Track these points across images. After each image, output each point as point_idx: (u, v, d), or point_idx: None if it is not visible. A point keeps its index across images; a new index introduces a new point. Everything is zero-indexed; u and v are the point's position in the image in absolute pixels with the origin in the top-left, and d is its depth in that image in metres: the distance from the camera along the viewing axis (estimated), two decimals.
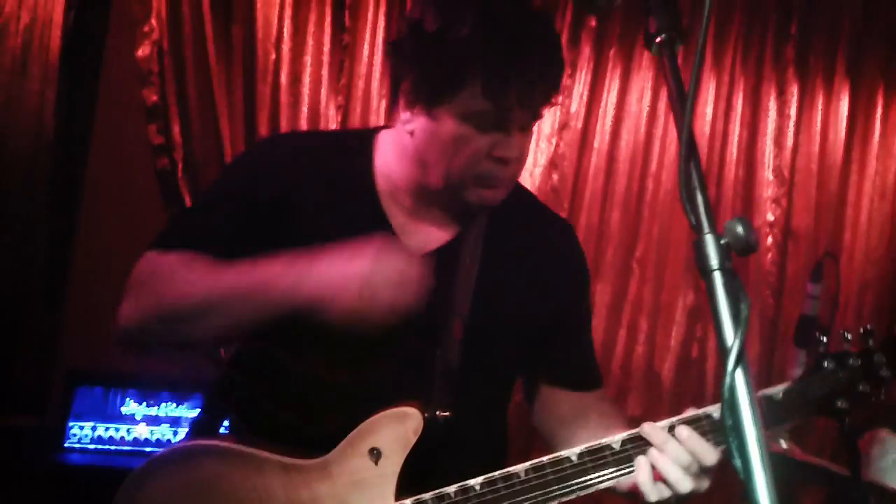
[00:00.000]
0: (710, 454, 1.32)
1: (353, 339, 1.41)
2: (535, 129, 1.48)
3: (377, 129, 1.59)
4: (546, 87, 1.40)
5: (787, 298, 3.89)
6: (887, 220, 4.03)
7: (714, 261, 0.79)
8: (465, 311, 1.49)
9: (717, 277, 0.79)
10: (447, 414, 1.43)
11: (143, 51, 3.30)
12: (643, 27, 0.93)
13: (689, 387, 3.81)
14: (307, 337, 1.44)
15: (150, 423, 3.11)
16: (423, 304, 1.42)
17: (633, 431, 1.36)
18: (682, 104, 0.86)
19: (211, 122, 3.35)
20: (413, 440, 1.39)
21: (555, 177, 3.76)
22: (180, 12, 3.31)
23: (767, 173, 3.93)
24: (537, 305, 1.57)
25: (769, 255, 3.92)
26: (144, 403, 3.10)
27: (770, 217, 3.93)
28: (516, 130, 1.40)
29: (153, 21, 3.29)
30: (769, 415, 1.39)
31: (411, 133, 1.44)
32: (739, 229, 0.80)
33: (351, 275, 1.27)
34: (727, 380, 0.75)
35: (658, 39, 0.93)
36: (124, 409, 3.10)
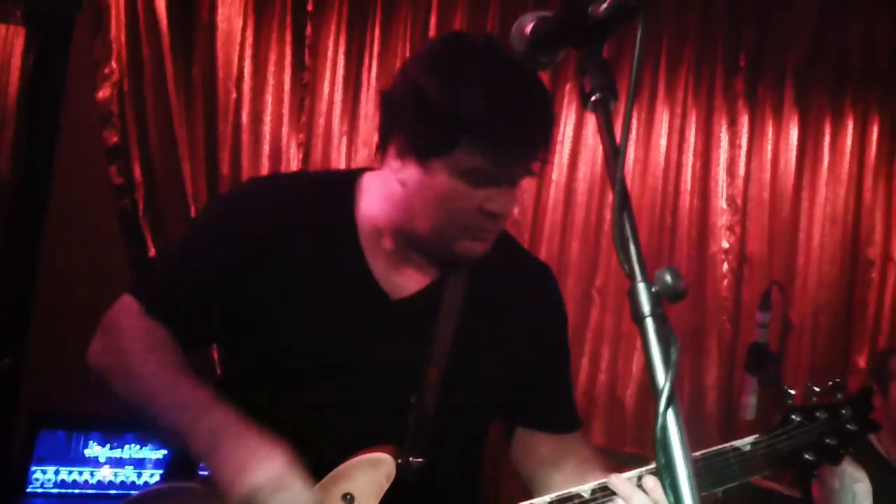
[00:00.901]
0: None
1: (330, 384, 1.45)
2: None
3: (362, 171, 1.59)
4: (538, 145, 1.42)
5: (744, 324, 3.97)
6: (838, 245, 4.15)
7: (646, 308, 0.84)
8: (443, 359, 1.50)
9: (649, 323, 0.84)
10: (420, 460, 1.44)
11: (103, 92, 3.32)
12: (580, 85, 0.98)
13: (652, 413, 3.84)
14: (282, 382, 1.48)
15: (114, 466, 3.08)
16: (401, 350, 1.47)
17: (603, 481, 1.39)
18: (615, 158, 0.92)
19: (172, 162, 3.37)
20: (386, 486, 1.40)
21: (515, 209, 3.82)
22: (140, 54, 3.34)
23: (721, 202, 4.04)
24: (516, 352, 1.58)
25: (725, 282, 4.01)
26: (108, 445, 3.08)
27: (725, 244, 4.03)
28: (507, 185, 1.42)
29: (113, 63, 3.32)
30: (739, 467, 1.43)
31: (402, 182, 1.44)
32: (668, 278, 0.85)
33: (243, 482, 1.29)
34: (659, 420, 0.79)
35: (593, 98, 0.98)
36: (87, 452, 3.07)
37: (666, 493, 0.79)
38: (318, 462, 1.40)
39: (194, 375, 1.43)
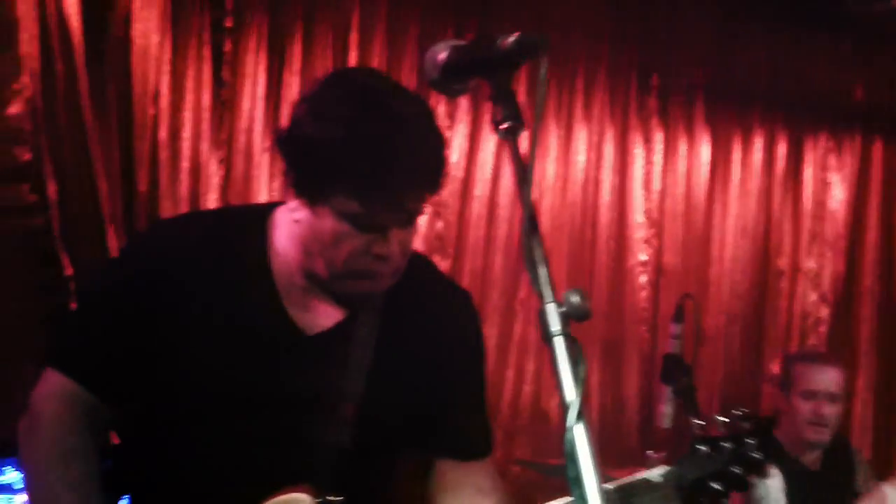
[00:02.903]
0: None
1: (240, 423, 1.45)
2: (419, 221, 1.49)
3: (275, 205, 1.58)
4: (417, 192, 1.41)
5: (661, 334, 4.09)
6: (749, 256, 4.33)
7: (555, 327, 0.88)
8: (357, 393, 1.50)
9: (559, 342, 0.87)
10: (339, 498, 1.44)
11: (14, 108, 3.22)
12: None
13: None
14: (197, 425, 1.47)
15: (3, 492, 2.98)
16: (313, 384, 1.47)
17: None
18: (524, 184, 0.95)
19: (88, 179, 3.29)
20: None
21: (439, 224, 3.86)
22: (53, 69, 3.25)
23: (638, 215, 4.16)
24: (431, 384, 1.58)
25: (643, 293, 4.13)
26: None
27: (643, 257, 4.15)
28: (394, 229, 1.41)
29: (25, 78, 3.22)
30: (650, 498, 1.46)
31: (297, 221, 1.45)
32: (575, 299, 0.89)
33: None
34: (568, 435, 0.83)
35: (503, 126, 1.02)
36: (1, 479, 2.96)
37: None
38: (235, 502, 1.40)
39: (94, 491, 1.45)
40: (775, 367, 4.16)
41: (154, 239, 1.65)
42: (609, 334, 4.07)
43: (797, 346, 4.29)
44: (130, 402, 1.53)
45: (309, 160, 1.39)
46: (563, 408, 0.83)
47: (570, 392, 0.84)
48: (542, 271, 0.92)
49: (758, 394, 4.27)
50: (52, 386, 1.51)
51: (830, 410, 3.14)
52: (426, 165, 1.41)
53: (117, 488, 1.61)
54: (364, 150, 1.34)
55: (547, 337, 0.88)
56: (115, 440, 1.71)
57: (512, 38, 1.00)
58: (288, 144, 1.43)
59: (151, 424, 1.54)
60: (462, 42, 1.15)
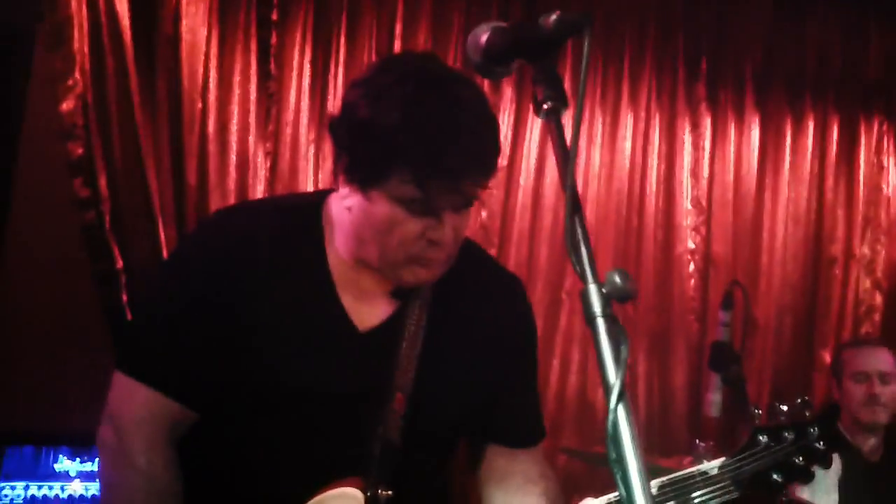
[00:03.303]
0: None
1: (293, 417, 1.45)
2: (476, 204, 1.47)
3: (327, 193, 1.57)
4: (475, 176, 1.39)
5: (710, 323, 4.03)
6: (801, 244, 4.24)
7: (597, 308, 0.87)
8: (408, 386, 1.49)
9: (601, 323, 0.86)
10: (389, 493, 1.44)
11: (66, 105, 3.29)
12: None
13: None
14: (247, 417, 1.48)
15: (85, 480, 3.06)
16: (366, 380, 1.47)
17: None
18: (566, 165, 0.94)
19: (138, 173, 3.35)
20: None
21: (483, 214, 3.86)
22: (104, 65, 3.32)
23: (686, 203, 4.10)
24: (482, 373, 1.57)
25: (692, 282, 4.07)
26: (78, 460, 3.06)
27: (691, 245, 4.09)
28: (448, 213, 1.40)
29: (77, 75, 3.29)
30: (706, 491, 1.44)
31: (349, 209, 1.43)
32: (617, 279, 0.88)
33: None
34: (610, 416, 0.82)
35: (545, 106, 1.01)
36: (57, 467, 3.04)
37: (617, 487, 0.81)
38: (286, 497, 1.41)
39: None
40: (828, 357, 4.09)
41: (212, 235, 1.61)
42: (657, 324, 4.02)
43: (851, 336, 4.19)
44: (211, 403, 1.51)
45: (365, 144, 1.36)
46: (606, 390, 0.83)
47: (612, 374, 0.84)
48: (584, 251, 0.91)
49: (810, 385, 4.18)
50: (136, 398, 1.49)
51: (883, 390, 3.14)
52: (483, 148, 1.39)
53: None
54: (422, 133, 1.32)
55: (589, 318, 0.87)
56: None
57: (553, 17, 0.99)
58: (342, 129, 1.40)
59: (208, 417, 1.55)
60: (503, 24, 1.14)
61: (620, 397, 0.82)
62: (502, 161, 3.87)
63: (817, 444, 1.49)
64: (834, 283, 4.26)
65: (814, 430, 1.50)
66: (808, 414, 1.51)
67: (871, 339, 4.04)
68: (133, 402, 1.48)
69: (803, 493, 2.90)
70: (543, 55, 1.03)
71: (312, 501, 1.41)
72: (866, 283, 4.31)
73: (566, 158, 0.95)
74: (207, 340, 1.46)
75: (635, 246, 4.02)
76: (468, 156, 1.35)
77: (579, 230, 0.92)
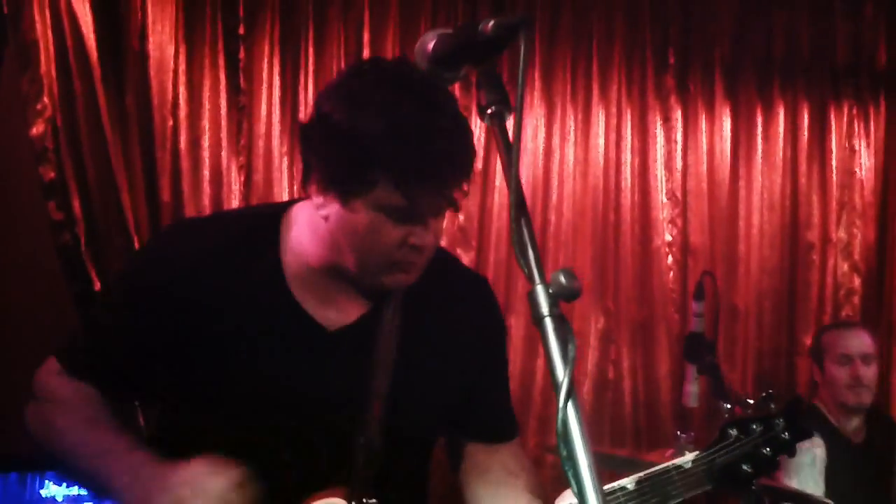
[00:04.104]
0: None
1: (273, 424, 1.45)
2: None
3: (291, 203, 1.56)
4: (457, 178, 1.39)
5: (691, 314, 4.05)
6: (777, 231, 4.27)
7: (545, 308, 0.88)
8: (384, 390, 1.49)
9: (548, 323, 0.88)
10: (373, 501, 1.45)
11: (37, 129, 3.28)
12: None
13: (607, 407, 3.94)
14: (226, 428, 1.48)
15: None
16: (342, 381, 1.47)
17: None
18: (510, 168, 0.95)
19: (112, 193, 3.34)
20: None
21: (460, 217, 3.87)
22: (72, 88, 3.31)
23: (661, 196, 4.12)
24: (456, 372, 1.59)
25: (671, 274, 4.10)
26: (64, 485, 3.04)
27: (668, 237, 4.11)
28: (431, 217, 1.41)
29: (45, 98, 3.29)
30: (682, 484, 1.49)
31: (325, 217, 1.41)
32: (562, 279, 0.89)
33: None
34: (560, 414, 0.83)
35: (489, 111, 1.02)
36: (44, 493, 3.02)
37: (570, 483, 0.82)
38: None
39: (116, 425, 1.48)
40: (809, 341, 4.12)
41: (168, 245, 1.61)
42: (638, 317, 4.04)
43: (831, 319, 4.23)
44: (147, 402, 1.57)
45: (346, 153, 1.34)
46: (555, 388, 0.84)
47: (560, 372, 0.85)
48: (531, 253, 0.92)
49: (793, 369, 4.22)
50: (55, 368, 1.56)
51: (866, 371, 3.17)
52: (463, 151, 1.39)
53: None
54: (405, 142, 1.31)
55: (537, 318, 0.88)
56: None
57: (492, 23, 1.00)
58: (317, 137, 1.38)
59: (180, 428, 1.56)
60: (448, 30, 1.15)
61: (569, 395, 0.83)
62: (477, 163, 3.88)
63: (783, 435, 1.55)
64: (812, 268, 4.29)
65: (779, 421, 1.56)
66: (773, 407, 1.57)
67: (851, 321, 4.08)
68: (66, 386, 1.54)
69: (791, 482, 2.93)
70: (486, 59, 1.04)
71: None
72: (844, 267, 4.35)
73: (510, 162, 0.96)
74: (156, 344, 1.48)
75: (613, 241, 4.04)
76: (451, 161, 1.36)
77: (525, 232, 0.93)
